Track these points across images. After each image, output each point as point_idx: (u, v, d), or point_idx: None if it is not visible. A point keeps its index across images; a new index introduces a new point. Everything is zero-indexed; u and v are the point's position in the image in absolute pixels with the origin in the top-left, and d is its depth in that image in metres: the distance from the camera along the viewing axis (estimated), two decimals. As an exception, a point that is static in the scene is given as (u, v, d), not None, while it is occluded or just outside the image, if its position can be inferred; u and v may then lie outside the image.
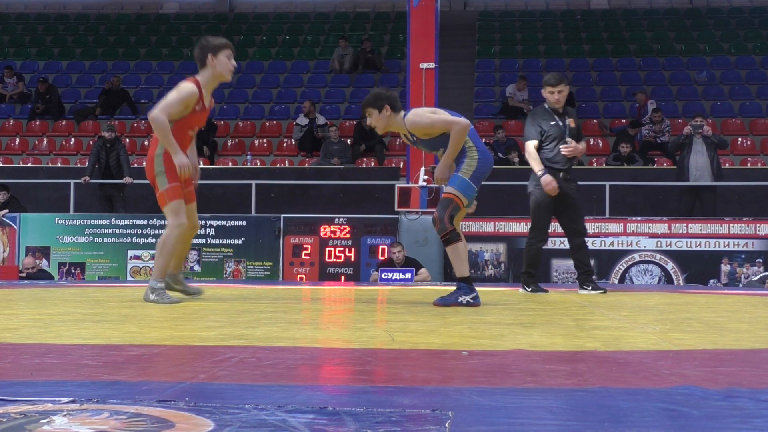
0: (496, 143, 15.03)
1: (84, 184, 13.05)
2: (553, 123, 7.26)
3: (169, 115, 5.48)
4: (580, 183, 12.42)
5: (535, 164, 7.25)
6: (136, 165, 14.82)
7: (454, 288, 5.58)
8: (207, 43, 5.68)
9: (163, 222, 12.20)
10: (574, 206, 7.29)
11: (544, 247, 7.53)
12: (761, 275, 11.12)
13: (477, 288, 5.56)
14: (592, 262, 11.23)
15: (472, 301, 5.44)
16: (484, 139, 15.56)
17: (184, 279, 6.16)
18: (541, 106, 7.43)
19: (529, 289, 7.24)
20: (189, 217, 5.73)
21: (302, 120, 16.29)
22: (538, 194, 7.26)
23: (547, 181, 7.13)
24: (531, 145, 7.30)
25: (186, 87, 5.58)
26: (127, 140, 16.44)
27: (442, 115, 5.57)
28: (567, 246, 11.99)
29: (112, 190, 13.06)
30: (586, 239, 7.54)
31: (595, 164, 15.11)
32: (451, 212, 5.52)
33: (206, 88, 5.66)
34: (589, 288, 7.23)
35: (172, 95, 5.55)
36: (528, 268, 7.39)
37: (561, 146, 7.18)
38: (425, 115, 5.60)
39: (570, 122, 7.29)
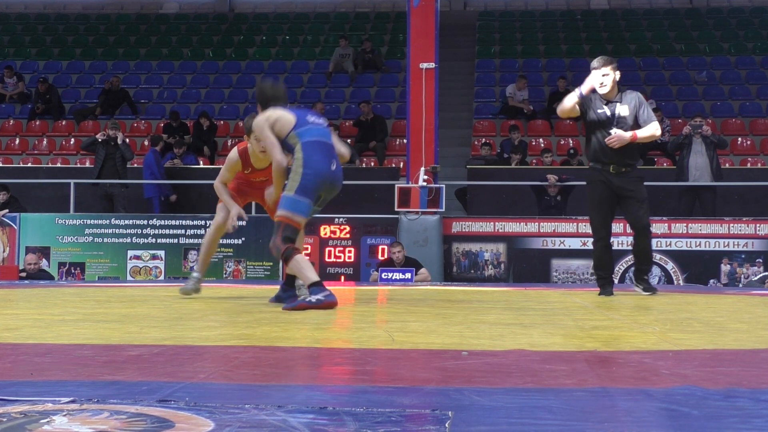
0: (505, 143, 15.01)
1: (83, 181, 13.06)
2: (600, 111, 6.71)
3: (221, 180, 6.42)
4: (579, 183, 12.53)
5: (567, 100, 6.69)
6: (135, 165, 14.84)
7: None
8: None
9: (163, 222, 12.22)
10: (630, 199, 6.73)
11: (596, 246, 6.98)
12: (761, 275, 11.11)
13: (477, 288, 5.56)
14: (592, 264, 11.32)
15: (323, 298, 5.02)
16: (484, 139, 15.69)
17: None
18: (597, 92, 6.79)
19: (599, 293, 6.85)
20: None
21: None
22: (588, 190, 6.92)
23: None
24: (566, 99, 6.78)
25: (230, 155, 6.31)
26: (127, 140, 16.43)
27: (273, 141, 5.42)
28: (566, 246, 11.92)
29: (112, 187, 13.06)
30: (648, 234, 6.93)
31: (595, 164, 15.09)
32: (283, 234, 5.24)
33: (252, 156, 6.20)
34: (640, 288, 6.85)
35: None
36: (594, 270, 7.13)
37: (606, 138, 6.61)
38: (262, 128, 5.49)
39: (622, 109, 6.68)
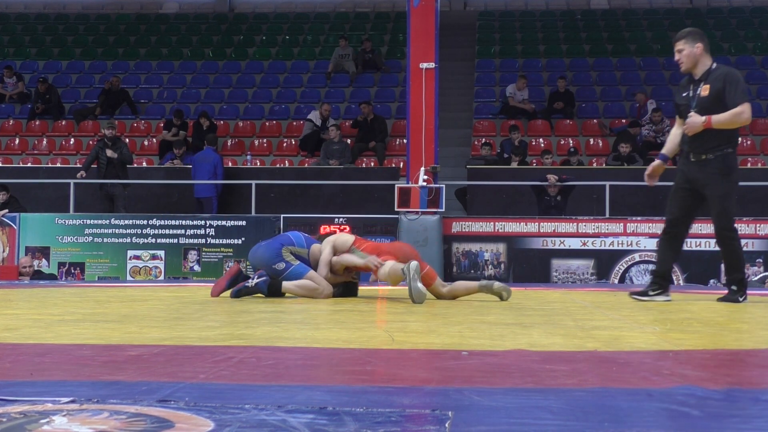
0: (505, 143, 15.01)
1: (82, 184, 13.02)
2: (684, 94, 6.07)
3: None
4: (579, 183, 12.54)
5: (666, 145, 6.21)
6: (135, 165, 14.85)
7: None
8: None
9: (163, 222, 12.22)
10: (708, 197, 6.02)
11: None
12: (761, 275, 11.12)
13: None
14: (592, 263, 11.33)
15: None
16: (484, 139, 15.68)
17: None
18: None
19: (653, 294, 6.09)
20: None
21: (316, 118, 16.24)
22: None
23: (648, 170, 6.24)
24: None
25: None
26: (127, 140, 16.43)
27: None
28: (566, 246, 11.88)
29: (113, 189, 13.06)
30: (725, 241, 6.13)
31: (595, 164, 15.11)
32: None
33: None
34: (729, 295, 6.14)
35: None
36: (656, 267, 6.30)
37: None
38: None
39: (703, 90, 5.92)
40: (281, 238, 6.61)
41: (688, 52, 6.00)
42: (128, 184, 13.16)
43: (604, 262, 11.43)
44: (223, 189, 13.70)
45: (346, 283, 6.56)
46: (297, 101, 18.11)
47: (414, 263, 5.79)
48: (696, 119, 5.84)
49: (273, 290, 6.30)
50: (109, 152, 13.04)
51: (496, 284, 6.22)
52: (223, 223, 12.06)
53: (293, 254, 6.41)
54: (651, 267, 11.49)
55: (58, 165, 15.67)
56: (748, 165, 15.08)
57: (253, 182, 13.03)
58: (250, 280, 6.38)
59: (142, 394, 2.20)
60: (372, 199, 13.08)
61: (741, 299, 6.05)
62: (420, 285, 5.71)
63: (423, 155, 11.47)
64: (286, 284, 6.34)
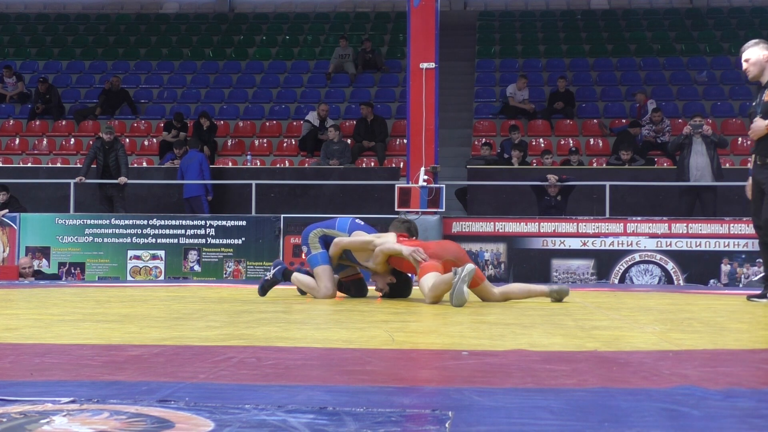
0: (505, 143, 15.01)
1: (81, 184, 13.01)
2: (754, 102, 6.28)
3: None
4: (579, 183, 12.54)
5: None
6: (135, 165, 14.85)
7: None
8: None
9: (162, 222, 12.21)
10: (764, 195, 6.14)
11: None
12: (761, 275, 11.09)
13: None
14: (592, 263, 11.34)
15: None
16: (484, 139, 15.70)
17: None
18: None
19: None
20: None
21: (314, 119, 16.23)
22: None
23: (747, 191, 6.40)
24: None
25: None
26: (127, 140, 16.44)
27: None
28: (566, 246, 11.92)
29: (112, 190, 13.04)
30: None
31: (595, 164, 15.11)
32: None
33: None
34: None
35: None
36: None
37: None
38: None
39: (766, 95, 6.08)
40: (324, 222, 6.57)
41: (755, 60, 6.10)
42: (125, 187, 13.13)
43: (604, 262, 11.43)
44: (222, 189, 13.69)
45: (395, 284, 6.27)
46: (297, 101, 18.10)
47: (470, 266, 5.41)
48: (758, 124, 6.02)
49: (287, 277, 6.45)
50: (107, 136, 12.99)
51: (565, 287, 6.15)
52: (223, 223, 12.05)
53: (324, 238, 6.32)
54: (650, 267, 11.51)
55: (58, 165, 15.66)
56: (749, 165, 15.06)
57: (253, 182, 13.02)
58: (268, 273, 6.50)
59: (142, 394, 2.20)
60: (372, 199, 13.07)
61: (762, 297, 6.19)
62: (465, 288, 5.33)
63: (423, 155, 11.46)
64: (295, 275, 6.43)
